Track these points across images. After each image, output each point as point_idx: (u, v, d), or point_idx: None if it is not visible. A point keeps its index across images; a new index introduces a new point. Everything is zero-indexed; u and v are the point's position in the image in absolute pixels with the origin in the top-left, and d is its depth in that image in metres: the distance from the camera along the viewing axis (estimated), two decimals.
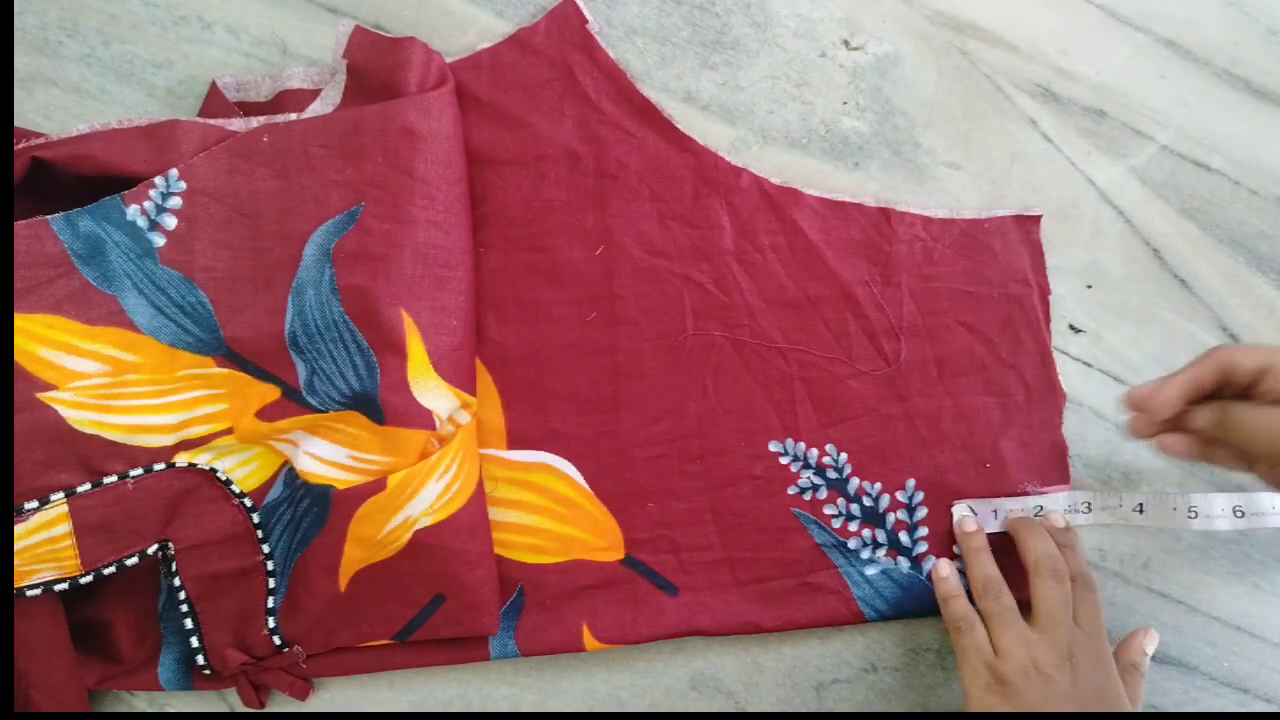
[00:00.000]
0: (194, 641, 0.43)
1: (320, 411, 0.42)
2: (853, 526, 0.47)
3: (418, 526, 0.41)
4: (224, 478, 0.42)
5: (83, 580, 0.40)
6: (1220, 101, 0.50)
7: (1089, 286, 0.49)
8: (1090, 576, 0.44)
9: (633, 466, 0.46)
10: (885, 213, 0.48)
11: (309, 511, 0.42)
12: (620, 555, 0.46)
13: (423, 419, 0.41)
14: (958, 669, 0.43)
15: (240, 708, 0.45)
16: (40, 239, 0.40)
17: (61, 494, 0.40)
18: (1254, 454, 0.41)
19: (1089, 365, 0.49)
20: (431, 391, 0.42)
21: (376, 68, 0.43)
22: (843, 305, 0.47)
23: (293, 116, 0.44)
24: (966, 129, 0.49)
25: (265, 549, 0.43)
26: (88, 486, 0.40)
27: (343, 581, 0.42)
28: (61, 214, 0.41)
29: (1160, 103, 0.49)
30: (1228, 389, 0.41)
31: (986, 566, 0.45)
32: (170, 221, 0.42)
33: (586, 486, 0.46)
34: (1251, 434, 0.40)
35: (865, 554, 0.47)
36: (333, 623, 0.43)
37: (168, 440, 0.42)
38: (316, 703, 0.46)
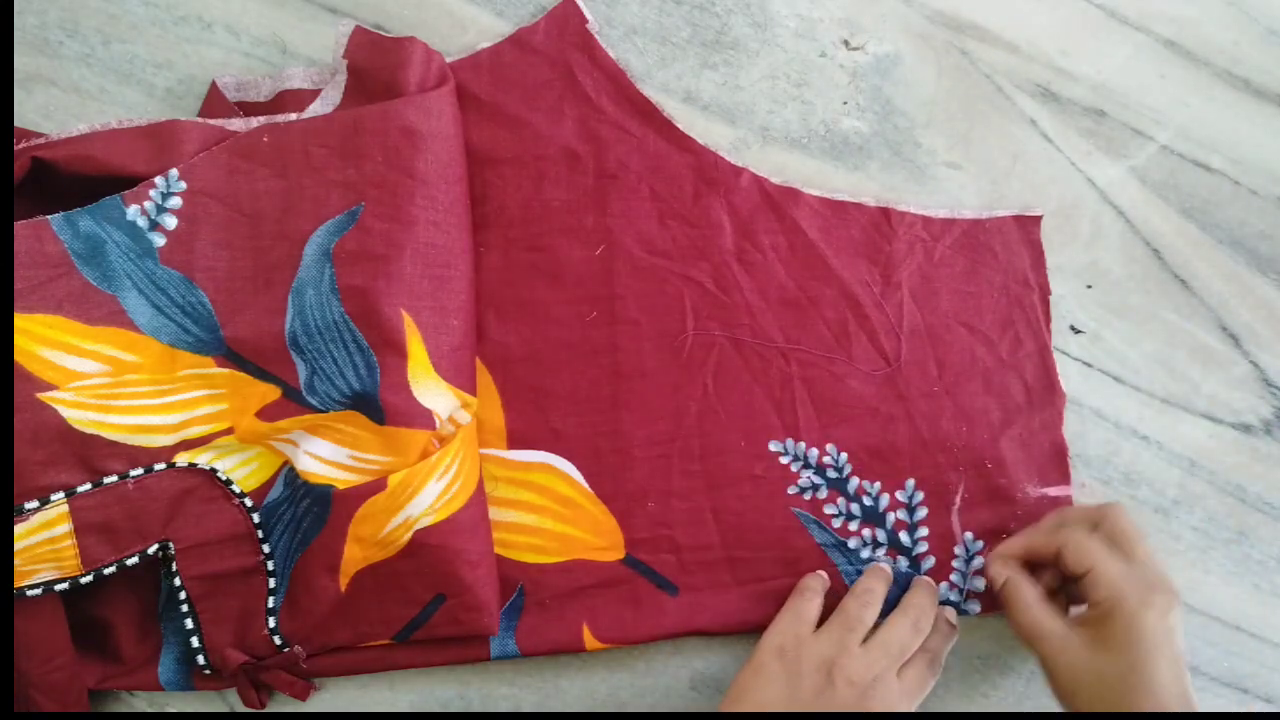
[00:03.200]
0: (194, 641, 0.43)
1: (321, 411, 0.42)
2: (853, 526, 0.47)
3: (418, 526, 0.41)
4: (224, 478, 0.42)
5: (83, 580, 0.40)
6: (1220, 101, 0.50)
7: (1089, 286, 0.49)
8: (939, 664, 0.44)
9: (633, 466, 0.46)
10: (885, 212, 0.48)
11: (309, 511, 0.42)
12: (620, 555, 0.46)
13: (423, 419, 0.41)
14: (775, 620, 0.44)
15: (240, 708, 0.45)
16: (40, 239, 0.40)
17: (62, 494, 0.40)
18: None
19: (1089, 365, 0.49)
20: (432, 391, 0.42)
21: (377, 68, 0.43)
22: (843, 305, 0.47)
23: (293, 116, 0.44)
24: (966, 129, 0.49)
25: (265, 549, 0.43)
26: (88, 486, 0.40)
27: (343, 581, 0.42)
28: (61, 214, 0.41)
29: (1160, 103, 0.49)
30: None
31: (875, 582, 0.45)
32: (170, 221, 0.42)
33: (586, 486, 0.46)
34: (1023, 636, 0.42)
35: (865, 553, 0.47)
36: (333, 623, 0.43)
37: (168, 440, 0.42)
38: (316, 703, 0.46)
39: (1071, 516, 0.44)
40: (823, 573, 0.46)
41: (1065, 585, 0.44)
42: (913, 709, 0.42)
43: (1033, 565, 0.44)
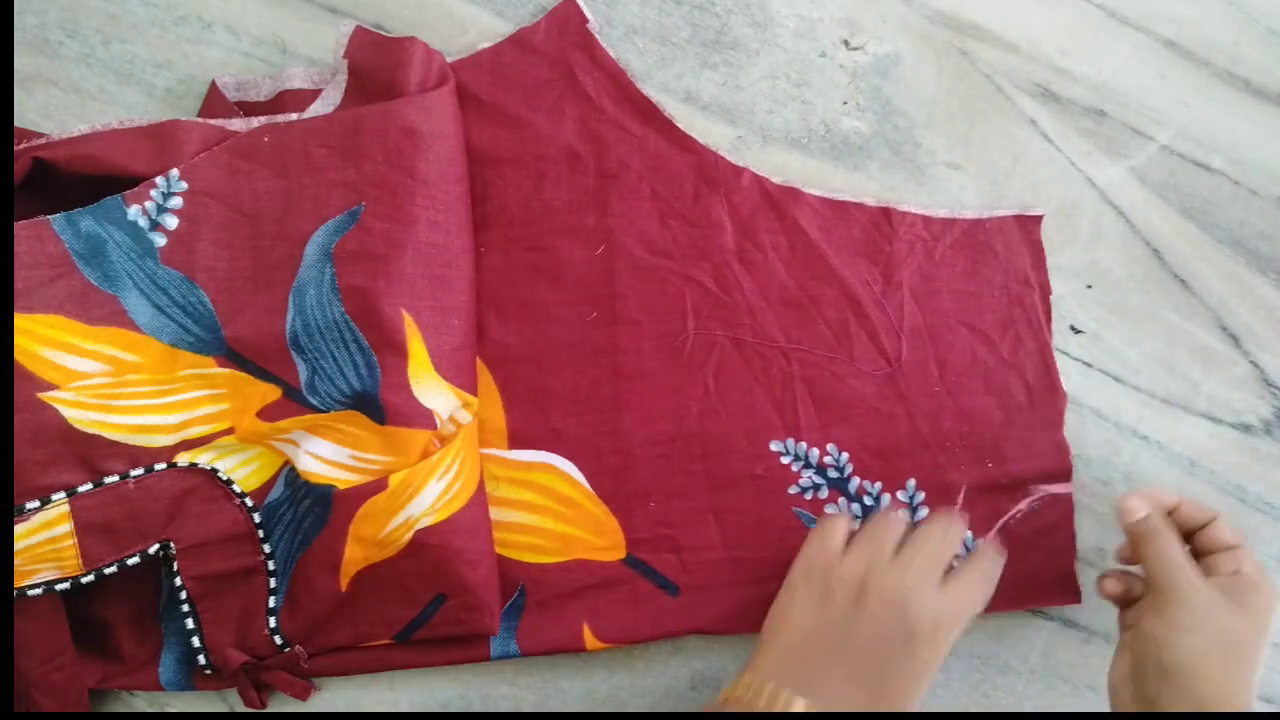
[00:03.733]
0: (195, 641, 0.43)
1: (321, 411, 0.42)
2: (855, 525, 0.47)
3: (419, 526, 0.41)
4: (225, 478, 0.42)
5: (84, 580, 0.40)
6: (1220, 101, 0.50)
7: (1089, 286, 0.49)
8: (991, 581, 0.42)
9: (634, 466, 0.46)
10: (886, 212, 0.48)
11: (310, 511, 0.42)
12: (621, 555, 0.46)
13: (424, 419, 0.41)
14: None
15: (240, 708, 0.45)
16: (41, 239, 0.40)
17: (63, 493, 0.40)
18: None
19: (1089, 365, 0.49)
20: (432, 391, 0.42)
21: (377, 68, 0.43)
22: (844, 304, 0.47)
23: (293, 116, 0.44)
24: (966, 129, 0.49)
25: (266, 549, 0.43)
26: (89, 486, 0.40)
27: (344, 581, 0.42)
28: (63, 214, 0.41)
29: (1160, 103, 0.50)
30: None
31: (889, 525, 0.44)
32: (171, 221, 0.42)
33: (588, 486, 0.46)
34: (1162, 566, 0.41)
35: None
36: (334, 623, 0.43)
37: (169, 440, 0.42)
38: (316, 703, 0.46)
39: None
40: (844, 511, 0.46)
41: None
42: (963, 621, 0.40)
43: None
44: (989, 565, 0.42)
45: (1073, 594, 0.47)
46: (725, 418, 0.47)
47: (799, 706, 0.36)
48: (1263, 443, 0.49)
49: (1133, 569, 0.45)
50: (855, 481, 0.47)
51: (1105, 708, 0.43)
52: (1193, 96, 0.50)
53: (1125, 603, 0.44)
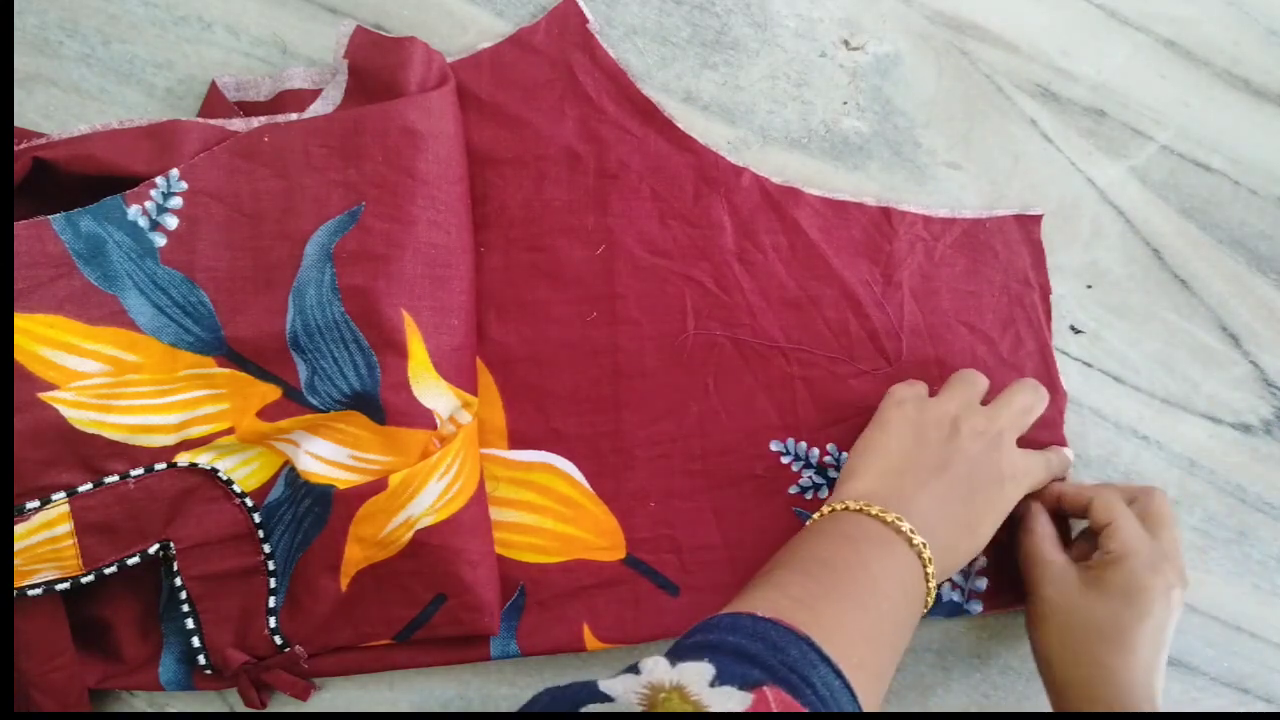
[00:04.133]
0: (195, 641, 0.43)
1: (321, 411, 0.42)
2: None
3: (419, 526, 0.41)
4: (225, 478, 0.42)
5: (84, 580, 0.40)
6: (1220, 101, 0.50)
7: (1089, 286, 0.49)
8: (1055, 467, 0.45)
9: (634, 466, 0.46)
10: (886, 212, 0.48)
11: (310, 511, 0.42)
12: (622, 555, 0.46)
13: (424, 419, 0.41)
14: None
15: (240, 708, 0.45)
16: (41, 239, 0.40)
17: (63, 493, 0.40)
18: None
19: (1089, 365, 0.49)
20: (432, 391, 0.42)
21: (377, 68, 0.43)
22: (844, 305, 0.47)
23: (293, 116, 0.44)
24: (966, 129, 0.49)
25: (266, 549, 0.43)
26: (89, 486, 0.40)
27: (344, 581, 0.42)
28: (63, 214, 0.41)
29: (1160, 103, 0.50)
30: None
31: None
32: (171, 221, 0.42)
33: (588, 486, 0.46)
34: (1026, 560, 0.43)
35: None
36: (334, 623, 0.43)
37: (169, 440, 0.42)
38: (316, 703, 0.46)
39: (1110, 486, 0.45)
40: None
41: (1079, 539, 0.45)
42: (1029, 486, 0.42)
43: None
44: (1057, 455, 0.45)
45: None
46: (725, 418, 0.47)
47: (905, 527, 0.38)
48: (1263, 443, 0.49)
49: None
50: None
51: None
52: (1193, 96, 0.50)
53: None
